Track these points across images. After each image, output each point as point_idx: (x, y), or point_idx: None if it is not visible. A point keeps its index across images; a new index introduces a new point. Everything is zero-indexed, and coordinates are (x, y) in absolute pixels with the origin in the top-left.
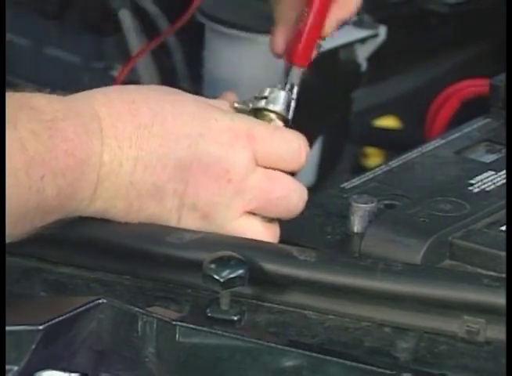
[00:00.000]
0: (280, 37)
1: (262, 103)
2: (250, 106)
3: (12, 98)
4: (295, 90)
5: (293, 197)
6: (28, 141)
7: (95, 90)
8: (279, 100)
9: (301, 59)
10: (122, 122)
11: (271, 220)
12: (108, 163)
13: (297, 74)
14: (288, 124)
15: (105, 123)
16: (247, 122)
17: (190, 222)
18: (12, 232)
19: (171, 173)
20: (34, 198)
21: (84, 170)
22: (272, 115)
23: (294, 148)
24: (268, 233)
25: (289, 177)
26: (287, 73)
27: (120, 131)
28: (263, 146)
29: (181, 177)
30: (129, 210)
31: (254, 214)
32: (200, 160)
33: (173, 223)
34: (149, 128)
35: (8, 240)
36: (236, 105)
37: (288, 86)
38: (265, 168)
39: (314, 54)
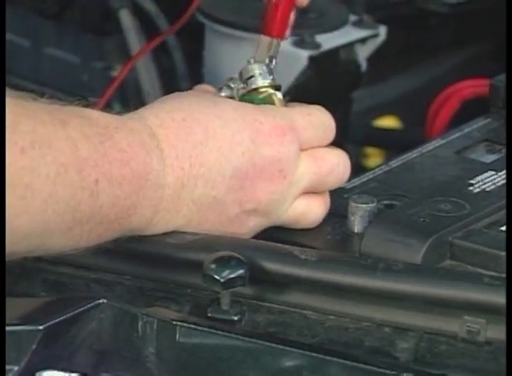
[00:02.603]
0: None
1: (255, 82)
2: (238, 89)
3: (59, 106)
4: (274, 62)
5: (339, 169)
6: (80, 141)
7: (143, 110)
8: (266, 74)
9: (279, 32)
10: (180, 142)
11: (321, 192)
12: (172, 185)
13: (276, 46)
14: (281, 89)
15: (164, 144)
16: (285, 115)
17: (251, 223)
18: (66, 236)
19: (229, 183)
20: (87, 202)
21: (142, 185)
22: (270, 89)
23: (326, 124)
24: (322, 205)
25: (329, 150)
26: (264, 46)
27: (180, 151)
28: (304, 134)
29: (239, 185)
30: (189, 226)
31: (305, 192)
32: (255, 165)
33: (233, 229)
34: (204, 144)
35: (62, 247)
36: (222, 93)
37: (268, 59)
38: (306, 149)
39: (289, 25)
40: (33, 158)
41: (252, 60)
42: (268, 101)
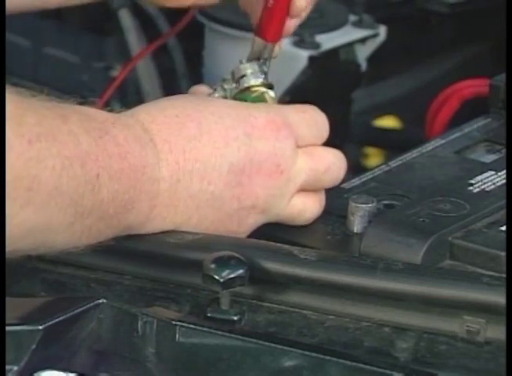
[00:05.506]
0: None
1: (247, 81)
2: (231, 89)
3: (57, 103)
4: (268, 64)
5: (335, 168)
6: (81, 136)
7: (136, 109)
8: (257, 73)
9: (274, 37)
10: (173, 136)
11: (316, 190)
12: (168, 178)
13: (270, 49)
14: (273, 88)
15: (157, 138)
16: (279, 111)
17: (250, 220)
18: (68, 231)
19: (226, 179)
20: (88, 196)
21: (139, 179)
22: (262, 88)
23: (320, 122)
24: (318, 204)
25: (326, 149)
26: (257, 48)
27: (173, 145)
28: (299, 130)
29: (236, 181)
30: (188, 223)
31: (300, 190)
32: (252, 160)
33: (233, 226)
34: (198, 139)
35: (64, 244)
36: (216, 94)
37: (262, 60)
38: (303, 147)
39: (284, 29)
40: (40, 150)
41: (244, 60)
42: (261, 100)
